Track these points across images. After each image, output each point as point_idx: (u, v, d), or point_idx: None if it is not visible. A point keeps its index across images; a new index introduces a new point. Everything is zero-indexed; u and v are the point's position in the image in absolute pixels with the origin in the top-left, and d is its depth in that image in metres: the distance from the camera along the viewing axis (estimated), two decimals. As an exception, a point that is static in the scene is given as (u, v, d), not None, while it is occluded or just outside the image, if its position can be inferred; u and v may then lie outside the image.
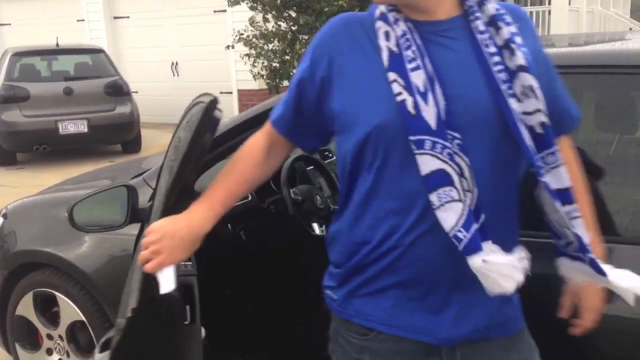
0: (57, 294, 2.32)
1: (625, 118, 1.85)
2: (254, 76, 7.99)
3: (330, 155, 3.02)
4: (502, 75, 1.08)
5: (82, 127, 7.79)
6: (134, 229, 2.05)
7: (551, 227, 1.18)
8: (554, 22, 10.31)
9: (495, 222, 1.10)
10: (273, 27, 7.70)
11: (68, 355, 2.43)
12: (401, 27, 1.10)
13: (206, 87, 10.92)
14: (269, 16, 7.68)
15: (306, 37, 7.45)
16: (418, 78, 1.07)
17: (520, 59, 1.08)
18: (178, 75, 10.97)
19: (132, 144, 8.44)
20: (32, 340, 2.53)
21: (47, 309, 2.44)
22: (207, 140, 1.33)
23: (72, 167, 7.40)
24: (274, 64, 7.82)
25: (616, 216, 1.60)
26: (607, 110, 1.87)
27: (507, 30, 1.10)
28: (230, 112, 9.23)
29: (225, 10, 9.37)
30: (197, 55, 10.50)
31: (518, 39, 1.10)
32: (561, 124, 1.21)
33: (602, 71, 1.65)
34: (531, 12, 10.88)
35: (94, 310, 2.25)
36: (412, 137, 1.06)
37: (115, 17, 11.49)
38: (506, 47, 1.10)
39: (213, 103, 1.30)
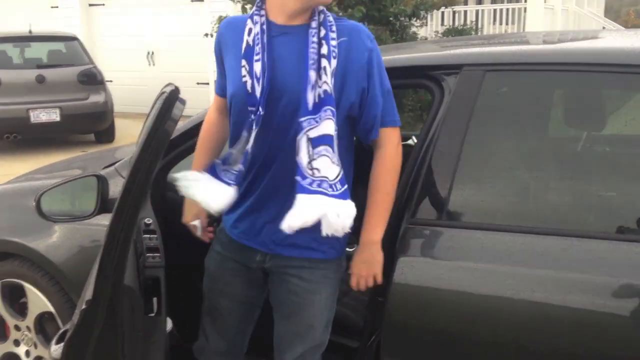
0: (25, 284, 2.29)
1: (595, 116, 1.88)
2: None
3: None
4: (313, 56, 1.48)
5: (54, 115, 7.66)
6: (104, 219, 2.03)
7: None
8: (529, 19, 10.43)
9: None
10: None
11: (36, 347, 2.40)
12: (257, 27, 1.54)
13: (182, 78, 10.82)
14: (248, 7, 7.64)
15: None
16: (257, 67, 1.50)
17: (324, 49, 1.48)
18: (154, 64, 10.85)
19: (106, 134, 8.33)
20: (0, 332, 2.49)
21: (15, 299, 2.41)
22: (169, 129, 1.33)
23: (43, 156, 7.28)
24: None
25: (582, 211, 1.64)
26: (577, 108, 1.91)
27: (324, 32, 1.50)
28: (206, 103, 9.15)
29: (202, 0, 9.29)
30: (174, 45, 10.40)
31: (332, 41, 1.49)
32: (367, 117, 1.57)
33: (575, 69, 1.68)
34: (507, 9, 11.00)
35: (63, 302, 2.23)
36: (249, 107, 1.52)
37: (91, 5, 11.32)
38: (320, 42, 1.49)
39: (174, 93, 1.32)
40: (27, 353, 2.44)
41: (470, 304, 1.61)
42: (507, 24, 10.97)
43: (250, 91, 1.50)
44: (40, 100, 7.60)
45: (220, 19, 7.68)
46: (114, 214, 1.33)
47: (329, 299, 1.70)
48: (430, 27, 10.48)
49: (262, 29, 1.53)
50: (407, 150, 3.41)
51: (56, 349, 1.46)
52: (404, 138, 3.64)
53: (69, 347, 1.37)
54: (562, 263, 1.51)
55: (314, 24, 1.51)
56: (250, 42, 1.52)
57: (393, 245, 1.74)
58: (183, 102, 1.36)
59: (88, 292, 1.39)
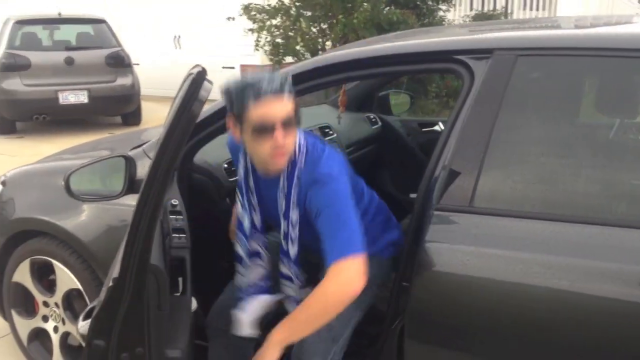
0: (54, 261, 2.33)
1: (628, 102, 1.84)
2: (255, 47, 7.89)
3: (331, 132, 3.01)
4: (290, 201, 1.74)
5: (82, 97, 7.75)
6: (132, 199, 2.06)
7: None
8: (561, 4, 10.22)
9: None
10: (277, 2, 7.63)
11: (64, 323, 2.45)
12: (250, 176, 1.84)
13: (208, 62, 10.84)
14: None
15: (309, 14, 7.38)
16: (247, 202, 1.86)
17: (293, 198, 1.73)
18: (180, 48, 10.89)
19: (132, 116, 8.41)
20: (28, 307, 2.55)
21: (44, 276, 2.46)
22: (196, 110, 1.33)
23: (71, 137, 7.38)
24: (277, 40, 7.75)
25: (614, 200, 1.61)
26: (610, 94, 1.87)
27: (286, 186, 1.74)
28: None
29: (229, -17, 9.26)
30: (200, 28, 10.41)
31: (293, 191, 1.73)
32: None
33: (609, 54, 1.64)
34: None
35: (90, 279, 2.26)
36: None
37: (119, -13, 11.40)
38: (285, 192, 1.75)
39: (201, 74, 1.33)
40: (55, 329, 2.49)
41: (496, 291, 1.59)
42: (537, 9, 10.76)
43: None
44: (68, 82, 7.69)
45: (246, 5, 7.66)
46: (141, 194, 1.34)
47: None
48: (458, 11, 10.34)
49: (246, 171, 1.84)
50: (433, 135, 3.40)
51: (83, 325, 1.48)
52: (431, 124, 3.63)
53: (95, 323, 1.39)
54: (591, 252, 1.49)
55: (280, 180, 1.75)
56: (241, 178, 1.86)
57: (419, 231, 1.73)
58: (210, 83, 1.36)
59: (115, 270, 1.41)
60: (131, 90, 8.07)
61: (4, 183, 2.59)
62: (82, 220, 2.24)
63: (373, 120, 3.34)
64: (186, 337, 1.54)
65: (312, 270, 1.82)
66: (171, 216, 1.86)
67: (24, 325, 2.57)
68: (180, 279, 1.78)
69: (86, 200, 2.10)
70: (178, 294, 1.78)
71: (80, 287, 2.30)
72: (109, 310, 1.38)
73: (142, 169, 2.08)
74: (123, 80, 8.01)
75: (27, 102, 7.52)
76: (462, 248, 1.65)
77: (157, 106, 9.80)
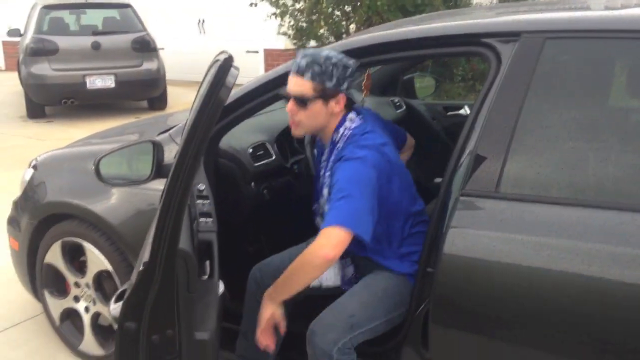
0: (84, 243, 2.38)
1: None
2: (279, 32, 7.88)
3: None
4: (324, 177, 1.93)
5: (109, 82, 7.83)
6: (159, 184, 2.09)
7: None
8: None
9: None
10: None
11: (94, 303, 2.50)
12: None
13: (232, 46, 10.85)
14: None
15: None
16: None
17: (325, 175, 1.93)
18: (204, 33, 10.92)
19: (158, 101, 8.48)
20: (60, 288, 2.61)
21: (75, 257, 2.51)
22: (223, 96, 1.34)
23: (99, 121, 7.49)
24: (301, 24, 7.72)
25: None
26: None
27: (327, 164, 1.93)
28: (255, 72, 9.20)
29: (253, -32, 9.23)
30: (224, 12, 10.41)
31: (327, 170, 1.92)
32: None
33: (639, 36, 1.61)
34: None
35: (120, 261, 2.31)
36: None
37: (144, -28, 11.43)
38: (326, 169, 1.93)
39: (228, 60, 1.34)
40: (87, 309, 2.55)
41: (523, 277, 1.59)
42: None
43: None
44: (95, 67, 7.77)
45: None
46: (170, 179, 1.36)
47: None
48: (485, -7, 10.16)
49: None
50: (459, 119, 3.37)
51: (115, 307, 1.52)
52: (456, 107, 3.60)
53: (127, 306, 1.42)
54: (620, 238, 1.47)
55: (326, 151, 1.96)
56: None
57: (444, 216, 1.73)
58: (237, 69, 1.37)
59: (145, 254, 1.44)
60: (157, 74, 8.12)
61: (35, 167, 2.65)
62: (111, 204, 2.29)
63: (397, 104, 3.32)
64: (214, 320, 1.57)
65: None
66: (198, 200, 1.88)
67: (56, 306, 2.63)
68: (207, 263, 1.82)
69: (115, 185, 2.13)
70: (205, 277, 1.81)
71: (110, 268, 2.35)
72: (139, 294, 1.41)
73: (169, 154, 2.11)
74: (149, 65, 8.07)
75: (55, 86, 7.62)
76: (488, 234, 1.64)
77: (182, 90, 9.86)
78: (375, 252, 1.92)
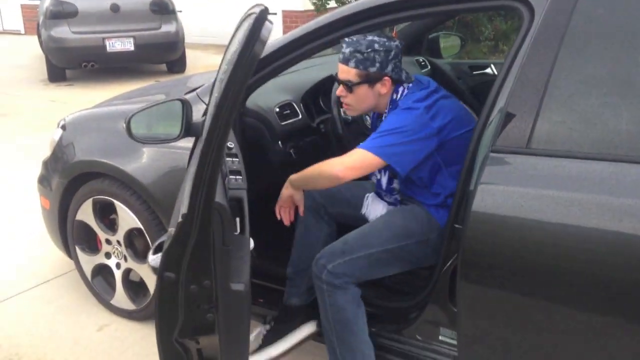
0: (115, 202, 2.42)
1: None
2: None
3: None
4: None
5: (128, 45, 7.82)
6: (188, 142, 2.11)
7: None
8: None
9: None
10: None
11: (125, 260, 2.56)
12: None
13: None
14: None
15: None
16: None
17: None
18: (223, -7, 10.81)
19: (177, 64, 8.47)
20: (91, 244, 2.67)
21: (106, 215, 2.56)
22: (258, 51, 1.33)
23: (119, 84, 7.52)
24: (321, -16, 7.62)
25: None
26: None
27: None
28: (274, 34, 9.12)
29: None
30: (242, -26, 10.29)
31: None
32: None
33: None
34: None
35: (150, 219, 2.35)
36: None
37: None
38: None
39: (263, 13, 1.32)
40: (118, 265, 2.61)
41: (553, 233, 1.58)
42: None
43: None
44: (115, 30, 7.76)
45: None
46: (207, 134, 1.37)
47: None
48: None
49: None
50: (485, 78, 3.33)
51: (154, 258, 1.55)
52: (482, 67, 3.55)
53: (166, 257, 1.45)
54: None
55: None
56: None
57: (472, 173, 1.73)
58: (271, 23, 1.36)
59: (183, 207, 1.46)
60: (175, 37, 8.09)
61: (63, 127, 2.68)
62: (141, 163, 2.31)
63: (422, 63, 3.29)
64: (248, 273, 1.60)
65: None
66: (227, 158, 1.90)
67: (88, 262, 2.70)
68: (238, 219, 1.84)
69: (146, 143, 2.15)
70: (237, 233, 1.84)
71: (141, 226, 2.39)
72: (178, 245, 1.44)
73: (197, 113, 2.12)
74: (167, 27, 8.04)
75: (75, 49, 7.64)
76: (518, 190, 1.64)
77: (201, 54, 9.84)
78: (412, 192, 2.07)
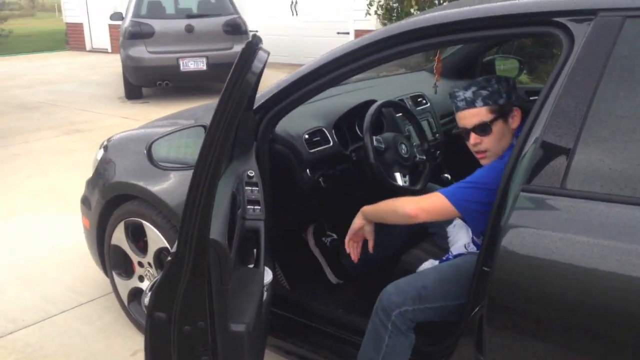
0: (144, 222, 2.42)
1: None
2: (367, 12, 7.75)
3: (425, 101, 2.85)
4: None
5: (201, 64, 8.02)
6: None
7: None
8: None
9: None
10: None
11: (157, 283, 2.55)
12: None
13: (323, 27, 10.82)
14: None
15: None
16: None
17: None
18: (297, 14, 10.95)
19: (248, 83, 8.59)
20: (127, 269, 2.68)
21: (138, 237, 2.56)
22: (249, 81, 1.27)
23: (191, 102, 7.70)
24: (392, 4, 7.54)
25: None
26: None
27: None
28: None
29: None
30: (316, -6, 10.40)
31: None
32: None
33: None
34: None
35: (175, 238, 2.32)
36: None
37: (239, -45, 11.60)
38: None
39: (251, 44, 1.27)
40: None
41: (587, 283, 1.41)
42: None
43: None
44: (188, 50, 7.98)
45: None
46: (196, 168, 1.31)
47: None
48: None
49: None
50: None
51: (149, 295, 1.50)
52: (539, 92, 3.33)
53: (156, 295, 1.40)
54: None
55: None
56: None
57: (503, 213, 1.58)
58: (266, 53, 1.29)
59: (175, 244, 1.41)
60: (247, 57, 8.21)
61: (105, 148, 2.72)
62: (168, 185, 2.30)
63: (475, 88, 3.12)
64: (253, 311, 1.52)
65: None
66: (247, 187, 1.84)
67: (124, 286, 2.71)
68: (255, 251, 1.77)
69: (166, 169, 2.13)
70: (251, 266, 1.77)
71: (168, 245, 2.37)
72: (169, 284, 1.38)
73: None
74: (240, 47, 8.09)
75: (151, 68, 7.91)
76: (550, 234, 1.48)
77: (272, 72, 9.94)
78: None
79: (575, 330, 1.45)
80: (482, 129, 1.87)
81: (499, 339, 1.61)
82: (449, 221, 2.14)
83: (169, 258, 1.38)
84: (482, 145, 1.89)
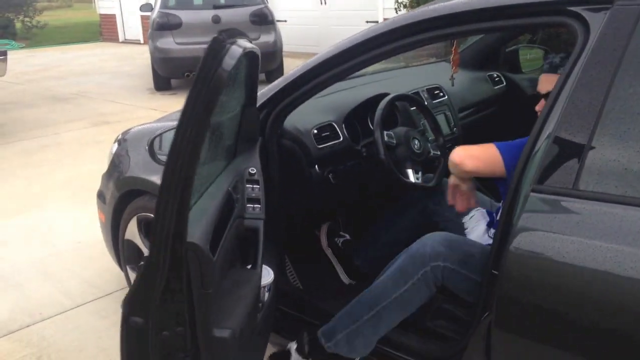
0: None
1: None
2: (395, 9, 7.63)
3: (442, 94, 2.75)
4: None
5: (228, 55, 7.99)
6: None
7: None
8: None
9: None
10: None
11: (168, 279, 2.53)
12: None
13: (352, 16, 10.69)
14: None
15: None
16: None
17: None
18: (325, 3, 10.85)
19: (275, 73, 8.53)
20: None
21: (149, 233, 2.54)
22: (219, 77, 1.21)
23: (217, 94, 7.71)
24: (420, -8, 7.38)
25: None
26: None
27: None
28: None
29: None
30: (344, -18, 10.28)
31: None
32: None
33: None
34: None
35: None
36: None
37: (267, -56, 11.54)
38: None
39: (217, 40, 1.22)
40: (161, 284, 2.59)
41: (599, 290, 1.34)
42: None
43: None
44: (215, 40, 7.95)
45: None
46: (165, 170, 1.23)
47: None
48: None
49: None
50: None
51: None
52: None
53: (131, 299, 1.35)
54: None
55: None
56: None
57: (513, 215, 1.50)
58: (241, 47, 1.22)
59: (148, 248, 1.36)
60: (274, 47, 8.17)
61: (119, 142, 2.71)
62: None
63: (497, 79, 3.01)
64: (243, 315, 1.48)
65: None
66: (247, 185, 1.79)
67: (137, 280, 2.70)
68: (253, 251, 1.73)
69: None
70: (249, 267, 1.72)
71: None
72: (143, 288, 1.33)
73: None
74: (266, 38, 8.13)
75: (178, 60, 7.90)
76: (561, 237, 1.40)
77: (300, 62, 9.90)
78: None
79: (587, 338, 1.38)
80: None
81: (508, 344, 1.54)
82: (465, 212, 2.06)
83: (141, 262, 1.33)
84: None
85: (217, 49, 1.19)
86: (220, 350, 1.40)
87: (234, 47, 1.23)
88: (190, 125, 1.19)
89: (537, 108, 1.84)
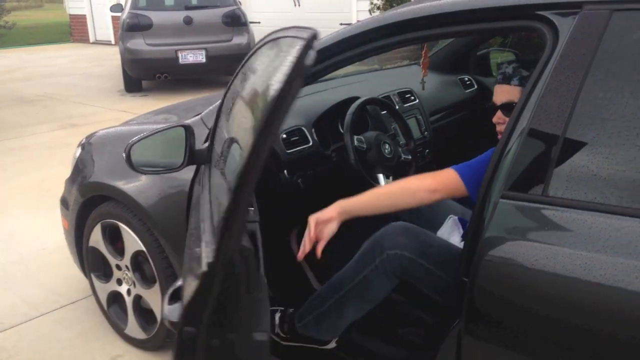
0: (120, 224, 2.33)
1: None
2: (369, 11, 7.64)
3: (413, 97, 2.73)
4: None
5: (200, 57, 7.92)
6: (191, 171, 1.99)
7: None
8: None
9: None
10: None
11: (134, 285, 2.47)
12: None
13: (326, 18, 10.69)
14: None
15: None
16: None
17: None
18: (299, 5, 10.82)
19: (248, 75, 8.48)
20: (106, 271, 2.60)
21: (116, 240, 2.48)
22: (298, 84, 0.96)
23: (190, 95, 7.61)
24: (392, -5, 7.41)
25: None
26: None
27: None
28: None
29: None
30: (318, -16, 10.26)
31: None
32: None
33: None
34: None
35: (151, 241, 2.24)
36: None
37: (240, -55, 11.46)
38: None
39: (310, 41, 0.98)
40: (129, 291, 2.52)
41: (568, 296, 1.33)
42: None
43: None
44: (187, 42, 7.87)
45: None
46: (239, 176, 1.07)
47: None
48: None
49: None
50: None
51: (171, 309, 1.33)
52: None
53: (188, 310, 1.26)
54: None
55: None
56: None
57: (482, 222, 1.48)
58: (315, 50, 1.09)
59: (206, 254, 1.27)
60: (246, 49, 8.09)
61: (83, 146, 2.64)
62: (143, 186, 2.21)
63: (468, 82, 3.00)
64: (268, 317, 1.43)
65: None
66: None
67: (102, 289, 2.63)
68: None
69: (147, 173, 2.03)
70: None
71: (144, 248, 2.29)
72: (201, 297, 1.26)
73: (201, 138, 1.98)
74: (239, 39, 8.07)
75: (149, 61, 7.81)
76: (531, 244, 1.38)
77: (273, 64, 9.83)
78: None
79: (557, 344, 1.37)
80: (508, 108, 1.77)
81: (477, 352, 1.52)
82: (440, 223, 2.04)
83: (204, 269, 1.26)
84: (504, 126, 1.77)
85: (304, 50, 0.98)
86: (259, 354, 1.34)
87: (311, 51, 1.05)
88: (267, 138, 1.02)
89: (494, 120, 1.83)
